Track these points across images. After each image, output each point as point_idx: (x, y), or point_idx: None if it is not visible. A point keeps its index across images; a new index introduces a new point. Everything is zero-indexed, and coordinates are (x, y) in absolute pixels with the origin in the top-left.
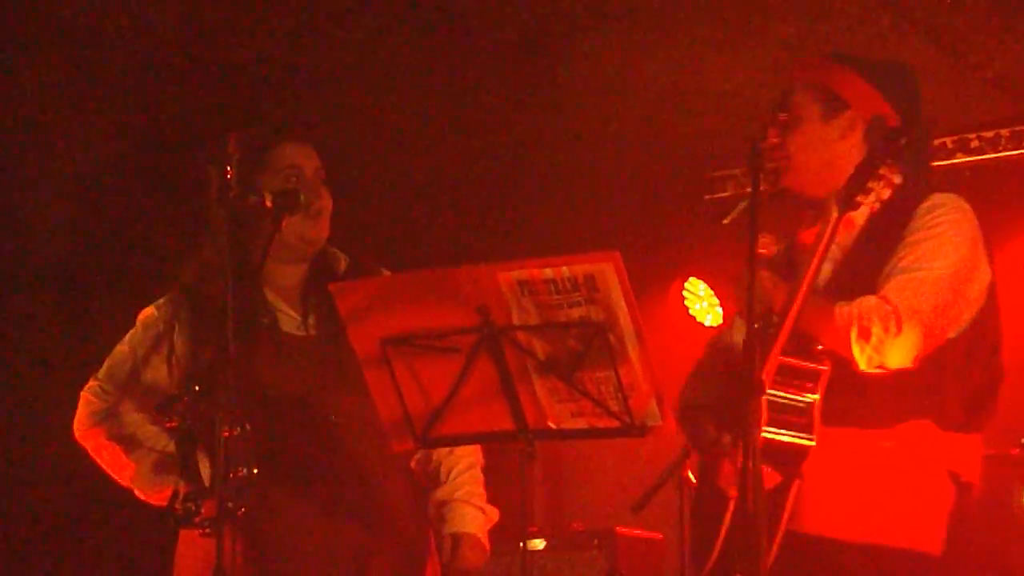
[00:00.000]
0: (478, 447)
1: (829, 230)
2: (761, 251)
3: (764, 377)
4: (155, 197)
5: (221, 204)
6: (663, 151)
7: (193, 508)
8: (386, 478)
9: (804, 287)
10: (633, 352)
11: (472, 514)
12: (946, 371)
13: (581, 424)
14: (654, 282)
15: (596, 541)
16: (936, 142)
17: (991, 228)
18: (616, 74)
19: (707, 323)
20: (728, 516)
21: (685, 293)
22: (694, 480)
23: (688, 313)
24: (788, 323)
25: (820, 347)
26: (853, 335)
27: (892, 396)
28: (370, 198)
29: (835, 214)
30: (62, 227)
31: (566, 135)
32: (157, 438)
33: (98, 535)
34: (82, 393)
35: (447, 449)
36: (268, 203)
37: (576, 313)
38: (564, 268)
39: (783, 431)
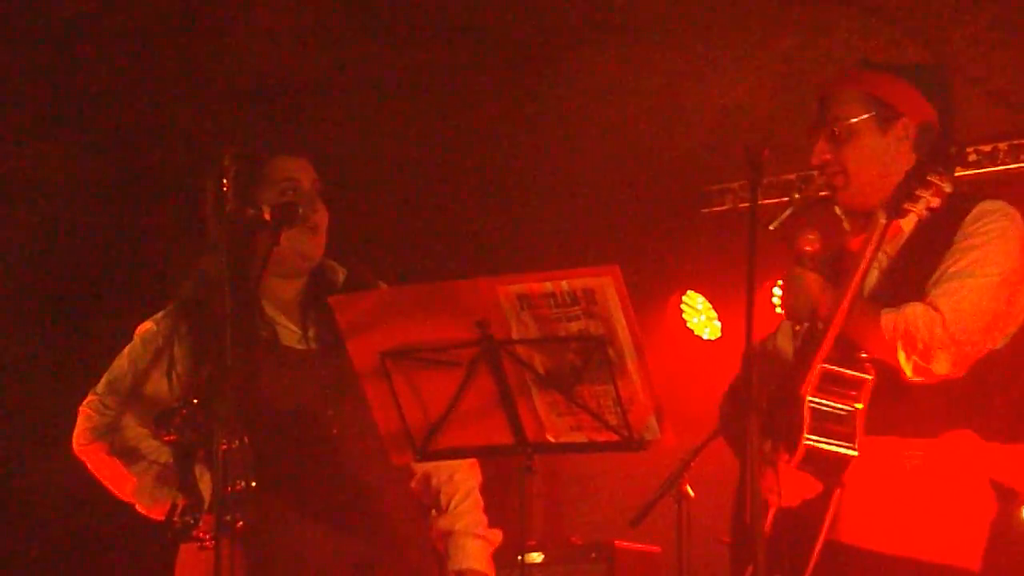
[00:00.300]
0: (476, 469)
1: (876, 236)
2: (806, 248)
3: (806, 385)
4: (149, 210)
5: (218, 218)
6: (661, 164)
7: (191, 522)
8: (386, 492)
9: (850, 293)
10: (632, 366)
11: (474, 547)
12: (991, 380)
13: (580, 438)
14: (652, 296)
15: (594, 555)
16: (943, 181)
17: None
18: (614, 87)
19: (705, 336)
20: (770, 523)
21: (683, 307)
22: (692, 493)
23: (686, 327)
24: (833, 330)
25: (865, 355)
26: (899, 342)
27: (935, 405)
28: (366, 212)
29: (883, 221)
30: (52, 239)
31: (564, 149)
32: (157, 452)
33: (98, 550)
34: (81, 408)
35: (446, 475)
36: (267, 216)
37: (575, 327)
38: (563, 282)
39: (825, 439)
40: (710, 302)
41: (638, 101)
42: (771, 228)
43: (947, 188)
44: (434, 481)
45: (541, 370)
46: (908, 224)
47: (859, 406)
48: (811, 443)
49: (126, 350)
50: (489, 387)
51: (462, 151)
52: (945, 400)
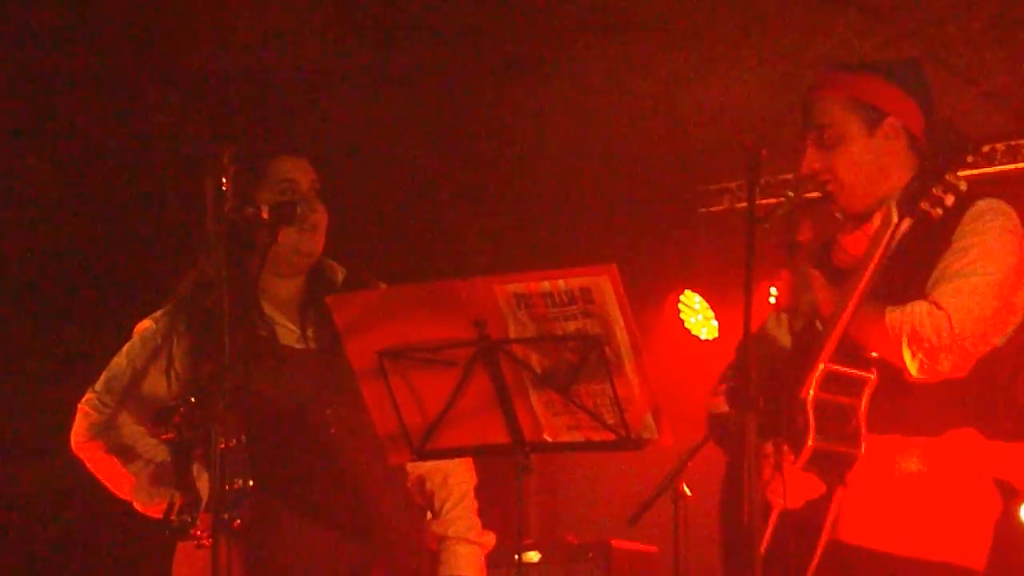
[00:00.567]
0: (471, 471)
1: (888, 235)
2: (800, 239)
3: (809, 385)
4: (149, 208)
5: (216, 217)
6: (659, 164)
7: (189, 520)
8: (383, 491)
9: (858, 293)
10: (629, 365)
11: (466, 552)
12: (993, 379)
13: (577, 437)
14: (649, 295)
15: (591, 554)
16: (958, 178)
17: None
18: (612, 87)
19: (702, 336)
20: (772, 525)
21: (680, 306)
22: (689, 493)
23: (683, 326)
24: (838, 329)
25: (869, 355)
26: (904, 341)
27: (938, 404)
28: (366, 211)
29: (895, 219)
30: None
31: (562, 148)
32: (155, 450)
33: (95, 549)
34: (79, 405)
35: (440, 478)
36: (265, 215)
37: (572, 326)
38: (561, 281)
39: (830, 439)
40: (707, 302)
41: (636, 101)
42: (765, 226)
43: (963, 186)
44: (428, 484)
45: (538, 369)
46: (904, 222)
47: (861, 405)
48: (817, 443)
49: (125, 348)
50: (486, 386)
51: (460, 151)
52: (947, 399)
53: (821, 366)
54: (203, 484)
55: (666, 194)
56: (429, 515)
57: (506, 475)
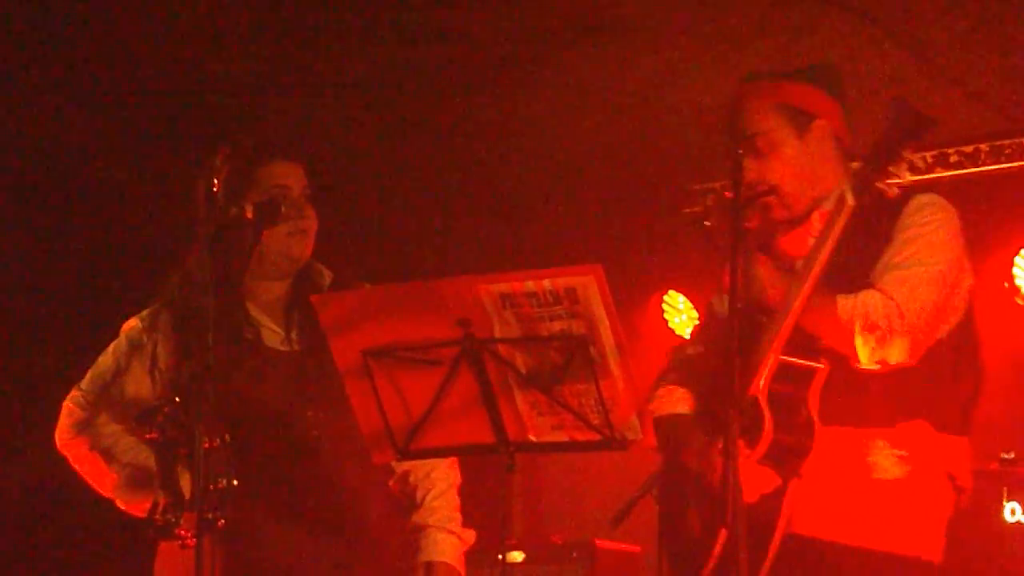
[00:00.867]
0: (455, 469)
1: (843, 220)
2: (747, 225)
3: (760, 376)
4: (141, 206)
5: (204, 217)
6: (643, 164)
7: (173, 520)
8: (366, 493)
9: (811, 282)
10: (614, 365)
11: (445, 541)
12: (939, 371)
13: (562, 437)
14: (633, 295)
15: (575, 554)
16: (915, 156)
17: (969, 243)
18: (596, 87)
19: (687, 336)
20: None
21: (664, 306)
22: None
23: (668, 326)
24: (791, 319)
25: (819, 344)
26: (857, 327)
27: (889, 396)
28: (350, 211)
29: (851, 201)
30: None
31: (546, 149)
32: (139, 449)
33: (77, 548)
34: (64, 403)
35: (424, 472)
36: (249, 214)
37: (557, 326)
38: (546, 281)
39: (783, 431)
40: (691, 302)
41: (621, 101)
42: (707, 224)
43: (920, 163)
44: (412, 478)
45: (523, 369)
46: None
47: (811, 395)
48: (774, 436)
49: (111, 347)
50: (471, 386)
51: (444, 151)
52: (898, 390)
53: (773, 358)
54: (186, 484)
55: (650, 194)
56: (410, 509)
57: (490, 475)
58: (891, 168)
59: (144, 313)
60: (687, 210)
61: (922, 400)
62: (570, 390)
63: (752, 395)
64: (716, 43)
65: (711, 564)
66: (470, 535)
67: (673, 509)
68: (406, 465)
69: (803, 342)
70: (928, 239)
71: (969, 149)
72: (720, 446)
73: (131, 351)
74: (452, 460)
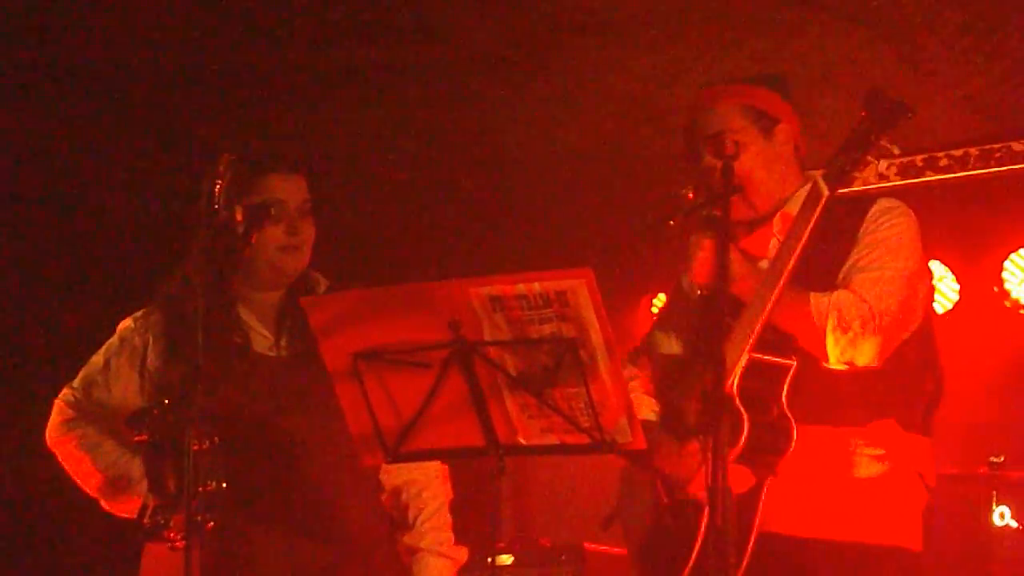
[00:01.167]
0: (447, 485)
1: (818, 211)
2: (717, 213)
3: (733, 375)
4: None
5: (199, 222)
6: (634, 167)
7: (162, 522)
8: (350, 499)
9: (785, 277)
10: (604, 368)
11: (437, 565)
12: (904, 371)
13: (551, 440)
14: (623, 298)
15: (564, 557)
16: (905, 160)
17: (959, 246)
18: (587, 90)
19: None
20: (703, 524)
21: (654, 309)
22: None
23: None
24: (764, 317)
25: (790, 341)
26: (830, 326)
27: (859, 394)
28: (340, 213)
29: (825, 192)
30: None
31: (537, 152)
32: (123, 451)
33: (63, 549)
34: (56, 401)
35: (415, 490)
36: (239, 217)
37: (548, 329)
38: (536, 284)
39: (760, 429)
40: None
41: (612, 104)
42: (671, 224)
43: (896, 151)
44: (403, 496)
45: (513, 372)
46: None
47: (783, 392)
48: (751, 435)
49: (105, 345)
50: (461, 389)
51: (435, 152)
52: (867, 390)
53: (746, 356)
54: (174, 486)
55: (641, 197)
56: (401, 528)
57: (480, 478)
58: (869, 156)
59: (139, 313)
60: (653, 215)
61: (890, 400)
62: (560, 393)
63: (728, 395)
64: (708, 46)
65: (689, 567)
66: (462, 553)
67: (644, 517)
68: (397, 481)
69: (773, 339)
70: (895, 242)
71: (959, 153)
72: (690, 449)
73: (122, 350)
74: (444, 476)
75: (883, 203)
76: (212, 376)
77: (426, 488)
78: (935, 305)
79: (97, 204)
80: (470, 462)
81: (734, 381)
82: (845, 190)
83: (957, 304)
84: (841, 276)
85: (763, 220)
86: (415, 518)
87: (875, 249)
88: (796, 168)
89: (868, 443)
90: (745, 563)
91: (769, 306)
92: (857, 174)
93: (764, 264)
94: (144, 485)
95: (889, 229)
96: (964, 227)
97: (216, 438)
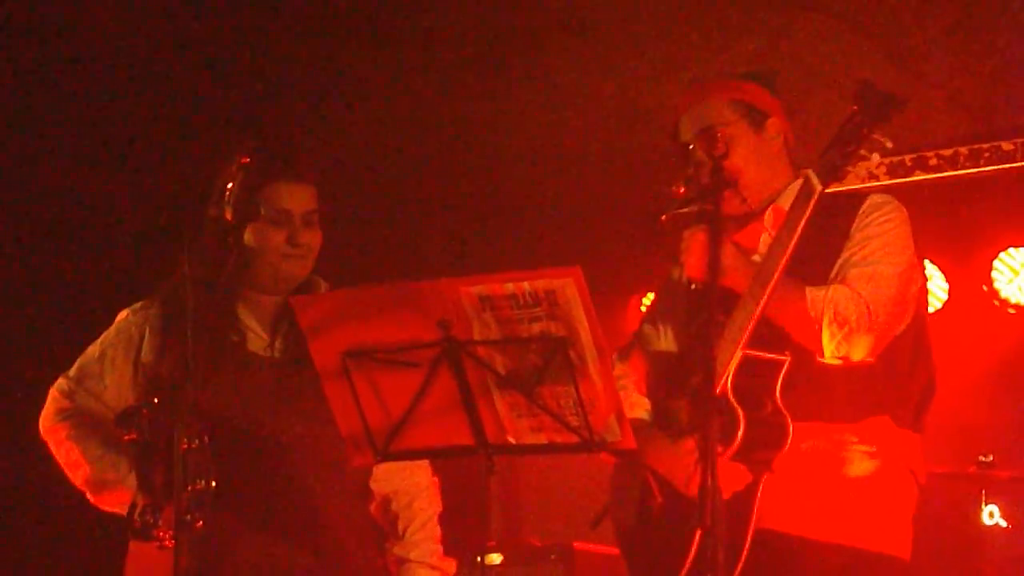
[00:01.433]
0: (437, 497)
1: (810, 206)
2: (708, 208)
3: (727, 372)
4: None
5: (213, 217)
6: (622, 167)
7: (151, 521)
8: (334, 506)
9: (779, 272)
10: (593, 367)
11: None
12: (898, 367)
13: (541, 439)
14: (612, 298)
15: (553, 556)
16: (894, 159)
17: (948, 246)
18: (575, 90)
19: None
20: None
21: (643, 309)
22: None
23: None
24: (758, 313)
25: (783, 337)
26: (826, 321)
27: (853, 391)
28: (328, 213)
29: (818, 187)
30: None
31: (526, 151)
32: (109, 445)
33: (48, 547)
34: (51, 390)
35: (405, 501)
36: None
37: (537, 328)
38: (525, 283)
39: (754, 426)
40: None
41: (600, 103)
42: (662, 219)
43: (888, 144)
44: (393, 506)
45: (502, 371)
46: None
47: (777, 388)
48: (747, 432)
49: (101, 336)
50: (450, 388)
51: (423, 153)
52: (861, 386)
53: (739, 353)
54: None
55: (629, 196)
56: (390, 538)
57: (469, 477)
58: (862, 150)
59: (137, 305)
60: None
61: (883, 396)
62: (549, 392)
63: (722, 392)
64: (695, 45)
65: (686, 566)
66: (450, 565)
67: (635, 516)
68: (387, 490)
69: (766, 334)
70: (888, 237)
71: (948, 152)
72: (685, 447)
73: (118, 341)
74: (434, 488)
75: (875, 198)
76: (203, 372)
77: (416, 499)
78: None
79: (101, 197)
80: (459, 462)
81: (728, 378)
82: (837, 187)
83: (946, 303)
84: (835, 271)
85: (755, 214)
86: (405, 528)
87: (868, 244)
88: (787, 162)
89: (860, 439)
90: (742, 561)
91: (762, 302)
92: (850, 168)
93: (756, 259)
94: (131, 481)
95: (882, 224)
96: (953, 226)
97: (205, 437)
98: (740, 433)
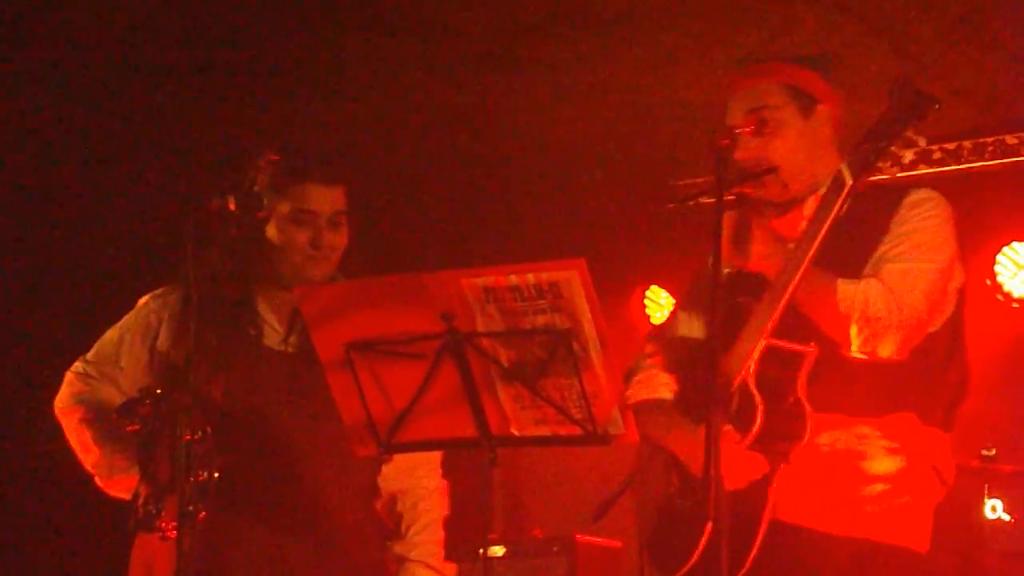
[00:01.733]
0: (444, 500)
1: (840, 200)
2: (747, 191)
3: (750, 360)
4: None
5: (241, 211)
6: (627, 159)
7: (154, 511)
8: (340, 501)
9: (806, 263)
10: (597, 360)
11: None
12: (929, 364)
13: (544, 431)
14: (616, 290)
15: (556, 548)
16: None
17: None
18: (580, 82)
19: None
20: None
21: (647, 301)
22: None
23: (650, 321)
24: (785, 302)
25: (810, 328)
26: (855, 316)
27: (879, 386)
28: None
29: (849, 181)
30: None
31: (530, 144)
32: (119, 431)
33: (54, 536)
34: (68, 372)
35: (411, 501)
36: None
37: (541, 320)
38: (529, 275)
39: (775, 416)
40: (674, 297)
41: (604, 96)
42: (670, 207)
43: (922, 142)
44: (399, 506)
45: (506, 363)
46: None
47: (799, 379)
48: (766, 422)
49: (121, 320)
50: (453, 380)
51: (428, 146)
52: (888, 382)
53: (763, 341)
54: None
55: (634, 188)
56: (393, 537)
57: (472, 469)
58: (894, 148)
59: (158, 291)
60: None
61: (910, 393)
62: (553, 384)
63: (742, 380)
64: (700, 38)
65: (697, 554)
66: (450, 569)
67: (655, 499)
68: (394, 488)
69: (793, 324)
70: (927, 234)
71: (952, 146)
72: (704, 432)
73: (136, 326)
74: (443, 492)
75: (919, 193)
76: (217, 363)
77: (423, 500)
78: None
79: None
80: (462, 454)
81: (751, 366)
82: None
83: None
84: (870, 266)
85: (796, 201)
86: (408, 528)
87: (907, 240)
88: (833, 150)
89: (884, 435)
90: (755, 551)
91: (789, 292)
92: (881, 164)
93: (794, 246)
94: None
95: (922, 221)
96: (957, 220)
97: (209, 428)
98: (758, 422)
